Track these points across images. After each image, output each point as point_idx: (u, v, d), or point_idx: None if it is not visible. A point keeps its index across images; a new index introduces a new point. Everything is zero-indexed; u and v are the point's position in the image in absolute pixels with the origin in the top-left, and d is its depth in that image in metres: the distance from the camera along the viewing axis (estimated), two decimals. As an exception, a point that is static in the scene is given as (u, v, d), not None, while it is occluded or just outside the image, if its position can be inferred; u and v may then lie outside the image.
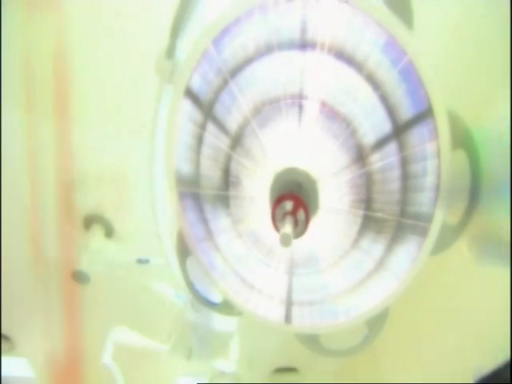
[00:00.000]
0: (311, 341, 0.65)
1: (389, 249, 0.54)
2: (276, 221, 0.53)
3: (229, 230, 0.66)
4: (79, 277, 1.61)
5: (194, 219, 0.68)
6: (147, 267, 1.32)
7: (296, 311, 0.64)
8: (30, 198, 2.10)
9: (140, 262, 1.32)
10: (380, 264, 0.55)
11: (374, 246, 0.54)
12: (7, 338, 3.53)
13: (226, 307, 0.75)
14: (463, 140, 0.45)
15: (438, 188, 0.47)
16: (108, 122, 1.78)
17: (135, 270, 1.43)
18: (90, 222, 1.88)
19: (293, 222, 0.51)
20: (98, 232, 1.81)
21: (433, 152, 0.46)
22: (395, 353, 2.23)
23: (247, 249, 0.65)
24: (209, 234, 0.68)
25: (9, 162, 1.92)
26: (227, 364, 1.70)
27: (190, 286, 0.78)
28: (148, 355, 2.94)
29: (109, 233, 1.89)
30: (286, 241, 0.49)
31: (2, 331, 3.37)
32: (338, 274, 0.58)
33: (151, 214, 0.93)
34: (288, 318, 0.65)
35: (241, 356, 1.78)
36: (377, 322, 0.59)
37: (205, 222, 0.68)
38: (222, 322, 0.96)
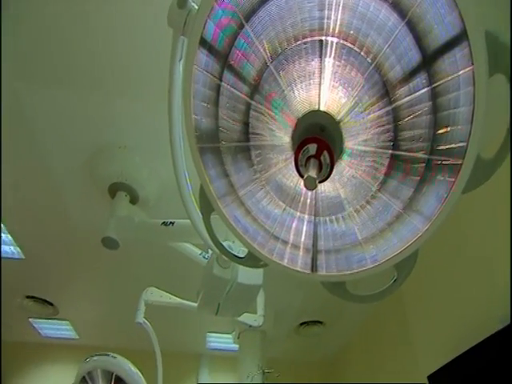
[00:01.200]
0: (338, 288, 0.63)
1: (418, 189, 0.50)
2: (299, 166, 0.50)
3: (251, 182, 0.63)
4: (109, 243, 1.64)
5: (215, 174, 0.66)
6: (173, 229, 1.32)
7: (322, 259, 0.62)
8: (57, 170, 2.12)
9: (165, 224, 1.32)
10: (408, 206, 0.51)
11: (402, 188, 0.51)
12: (51, 304, 3.70)
13: (252, 260, 0.73)
14: (502, 63, 0.40)
15: (472, 120, 0.43)
16: (126, 87, 1.75)
17: (161, 232, 1.44)
18: (115, 189, 1.89)
19: (317, 165, 0.47)
20: (123, 199, 1.83)
21: (467, 80, 0.41)
22: (422, 301, 2.20)
23: (270, 199, 0.63)
24: (231, 188, 0.65)
25: (36, 135, 1.93)
26: (255, 319, 1.72)
27: (215, 241, 0.76)
28: (178, 313, 3.01)
29: (134, 199, 1.91)
30: (310, 184, 0.46)
31: (47, 298, 3.52)
32: (364, 219, 0.55)
33: (173, 176, 0.91)
34: (314, 267, 0.63)
35: (267, 311, 1.80)
36: (406, 265, 0.56)
37: (226, 176, 0.65)
38: (248, 277, 0.96)
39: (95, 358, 1.51)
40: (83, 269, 3.01)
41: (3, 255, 2.89)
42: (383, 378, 2.97)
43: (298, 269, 0.65)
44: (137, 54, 1.62)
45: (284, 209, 0.61)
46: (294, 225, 0.62)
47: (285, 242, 0.65)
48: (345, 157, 0.52)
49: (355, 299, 0.63)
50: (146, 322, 1.58)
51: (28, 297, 3.39)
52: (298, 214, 0.60)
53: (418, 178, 0.50)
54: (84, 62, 1.66)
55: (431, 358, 1.90)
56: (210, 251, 1.28)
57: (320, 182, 0.50)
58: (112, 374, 1.45)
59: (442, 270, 1.93)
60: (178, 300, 1.56)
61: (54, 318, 3.70)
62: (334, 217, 0.57)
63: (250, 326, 1.61)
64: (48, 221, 2.54)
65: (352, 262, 0.59)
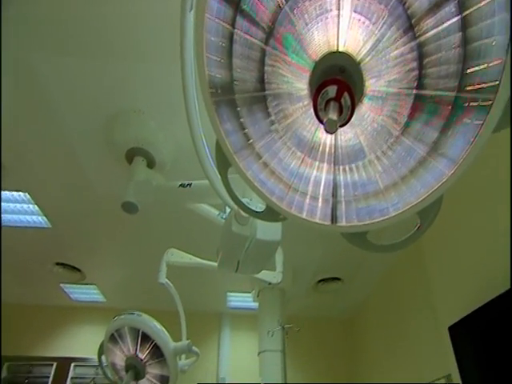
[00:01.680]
0: (359, 239, 0.61)
1: (444, 132, 0.47)
2: (319, 110, 0.47)
3: (268, 134, 0.61)
4: (128, 207, 1.65)
5: (231, 128, 0.63)
6: (190, 190, 1.31)
7: (342, 210, 0.60)
8: (75, 140, 2.12)
9: (183, 186, 1.31)
10: (433, 149, 0.48)
11: (426, 131, 0.48)
12: (78, 270, 3.83)
13: (270, 214, 0.71)
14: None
15: (507, 50, 0.39)
16: (137, 50, 1.71)
17: (179, 194, 1.43)
18: (132, 155, 1.89)
19: (337, 107, 0.44)
20: (140, 164, 1.83)
21: (503, 4, 0.37)
22: (443, 252, 2.14)
23: (288, 151, 0.60)
24: (247, 141, 0.63)
25: (51, 105, 1.92)
26: (274, 276, 1.73)
27: (234, 196, 0.75)
28: (199, 274, 3.07)
29: (151, 163, 1.90)
30: (331, 126, 0.43)
31: (74, 264, 3.64)
32: (386, 166, 0.52)
33: (189, 138, 0.89)
34: (334, 218, 0.61)
35: (286, 269, 1.81)
36: (430, 212, 0.53)
37: (242, 128, 0.63)
38: (266, 233, 0.95)
39: (122, 316, 1.56)
40: (106, 234, 3.08)
41: (32, 225, 2.98)
42: (403, 331, 3.00)
43: (317, 221, 0.64)
44: (148, 16, 1.57)
45: (302, 160, 0.59)
46: (312, 175, 0.59)
47: (304, 194, 0.63)
48: (366, 100, 0.49)
49: (377, 249, 0.61)
50: (169, 282, 1.61)
51: (57, 264, 3.52)
52: (317, 163, 0.58)
53: (444, 120, 0.47)
54: (95, 27, 1.61)
55: (452, 310, 1.90)
56: (227, 211, 1.27)
57: (340, 127, 0.48)
58: (139, 330, 1.50)
59: (463, 219, 1.88)
60: (198, 260, 1.58)
61: (83, 283, 3.84)
62: (354, 165, 0.55)
63: (270, 284, 1.62)
64: (70, 190, 2.59)
65: (373, 211, 0.57)
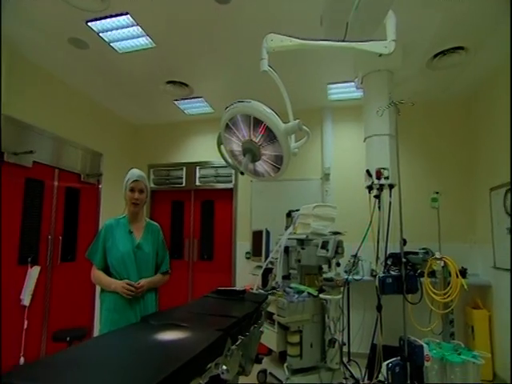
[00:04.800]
0: None
1: None
2: None
3: None
4: (221, -2, 1.50)
5: None
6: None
7: None
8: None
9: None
10: None
11: None
12: (187, 85, 3.99)
13: None
14: None
15: None
16: None
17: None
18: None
19: None
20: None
21: None
22: None
23: None
24: None
25: None
26: (385, 45, 1.50)
27: None
28: (299, 64, 2.90)
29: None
30: None
31: (182, 80, 3.77)
32: None
33: None
34: None
35: (396, 42, 1.53)
36: None
37: None
38: None
39: (233, 105, 1.59)
40: (205, 45, 3.01)
41: (139, 47, 3.04)
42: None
43: None
44: None
45: None
46: None
47: None
48: None
49: None
50: (271, 69, 1.54)
51: (168, 82, 3.68)
52: None
53: None
54: None
55: None
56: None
57: None
58: (250, 116, 1.53)
59: None
60: (299, 41, 1.43)
61: (192, 97, 4.05)
62: None
63: (380, 55, 1.42)
64: (165, 4, 2.45)
65: None
